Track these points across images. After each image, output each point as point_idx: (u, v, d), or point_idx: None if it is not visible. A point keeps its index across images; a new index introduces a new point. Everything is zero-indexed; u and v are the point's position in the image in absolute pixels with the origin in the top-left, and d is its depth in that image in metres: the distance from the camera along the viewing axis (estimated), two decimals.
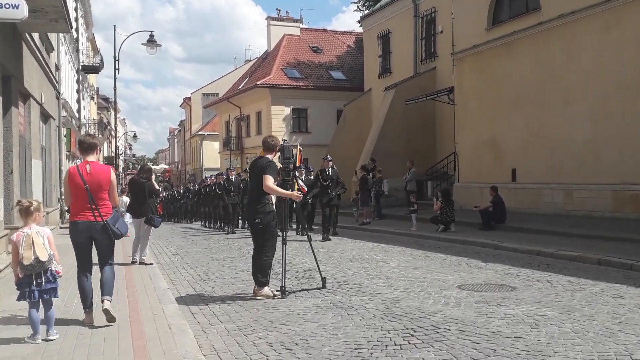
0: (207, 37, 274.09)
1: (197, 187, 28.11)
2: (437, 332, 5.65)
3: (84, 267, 6.05)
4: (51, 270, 5.38)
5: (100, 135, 38.90)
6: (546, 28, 18.00)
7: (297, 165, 13.67)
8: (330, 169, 15.16)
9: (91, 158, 6.12)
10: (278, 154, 8.23)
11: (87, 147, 6.16)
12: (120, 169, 46.50)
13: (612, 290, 7.53)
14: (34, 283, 5.28)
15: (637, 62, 15.05)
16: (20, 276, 5.33)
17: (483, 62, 20.91)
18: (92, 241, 6.03)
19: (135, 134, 65.63)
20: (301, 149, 14.39)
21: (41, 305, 5.36)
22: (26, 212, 5.45)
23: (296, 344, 5.39)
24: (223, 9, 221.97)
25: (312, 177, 17.34)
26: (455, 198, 18.40)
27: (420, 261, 10.61)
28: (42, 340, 5.29)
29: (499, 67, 20.06)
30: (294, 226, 16.91)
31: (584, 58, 16.72)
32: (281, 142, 8.22)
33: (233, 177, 19.25)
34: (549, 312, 6.39)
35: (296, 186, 13.45)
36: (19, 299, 5.41)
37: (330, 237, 14.94)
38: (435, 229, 15.23)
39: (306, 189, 14.27)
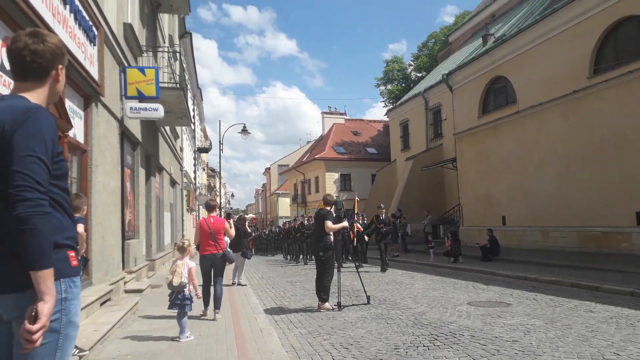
0: (280, 126, 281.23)
1: (279, 229, 27.49)
2: (454, 337, 5.48)
3: (207, 282, 6.73)
4: (184, 293, 5.50)
5: (210, 195, 39.77)
6: (522, 115, 17.79)
7: (356, 212, 12.96)
8: (383, 215, 14.43)
9: (213, 213, 6.93)
10: (333, 206, 8.31)
11: (210, 207, 7.05)
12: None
13: (584, 306, 7.16)
14: (175, 298, 5.47)
15: (591, 140, 14.69)
16: (169, 292, 5.59)
17: (477, 140, 20.71)
18: (212, 267, 6.66)
19: (232, 193, 67.04)
20: (358, 199, 13.77)
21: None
22: (182, 249, 5.76)
23: (351, 344, 5.31)
24: (291, 107, 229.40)
25: (366, 220, 17.05)
26: (461, 237, 17.93)
27: (438, 284, 10.36)
28: (175, 339, 5.38)
29: (489, 143, 19.82)
30: (350, 258, 16.06)
31: (550, 136, 16.40)
32: (335, 198, 8.27)
33: (306, 222, 18.53)
34: (537, 322, 6.12)
35: (356, 228, 13.54)
36: (168, 308, 5.59)
37: (387, 267, 13.56)
38: (447, 261, 14.83)
39: (362, 229, 14.44)
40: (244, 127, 26.06)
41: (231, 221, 7.64)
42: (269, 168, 68.09)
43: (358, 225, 13.78)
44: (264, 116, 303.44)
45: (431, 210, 22.59)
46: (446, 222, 24.25)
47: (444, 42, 39.15)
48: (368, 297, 8.03)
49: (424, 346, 5.14)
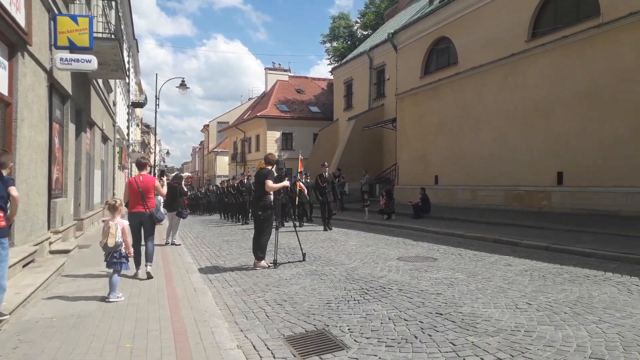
0: (220, 81, 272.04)
1: (217, 188, 26.36)
2: (384, 291, 5.74)
3: (137, 240, 6.59)
4: (120, 251, 5.43)
5: (143, 152, 38.33)
6: (462, 77, 18.30)
7: (300, 170, 12.85)
8: (326, 173, 13.93)
9: (144, 172, 6.79)
10: (275, 165, 8.29)
11: (141, 165, 6.95)
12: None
13: (503, 260, 7.70)
14: (111, 257, 5.40)
15: (525, 102, 15.43)
16: (103, 253, 5.52)
17: (417, 101, 21.15)
18: (141, 225, 6.59)
19: (168, 150, 65.10)
20: (302, 157, 13.56)
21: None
22: (113, 208, 5.56)
23: (285, 300, 5.43)
24: (233, 61, 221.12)
25: (309, 179, 16.01)
26: (396, 196, 18.58)
27: (371, 241, 10.69)
28: (104, 300, 5.27)
29: (429, 104, 20.32)
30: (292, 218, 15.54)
31: (488, 98, 17.04)
32: (277, 157, 8.21)
33: (245, 180, 17.80)
34: (460, 276, 6.53)
35: (298, 188, 13.31)
36: (106, 267, 5.54)
37: (331, 227, 13.39)
38: (381, 218, 15.31)
39: (305, 189, 13.88)
40: (183, 81, 25.06)
41: (164, 179, 7.44)
42: (208, 125, 66.28)
43: (301, 184, 13.64)
44: (203, 70, 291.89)
45: (370, 170, 23.08)
46: (382, 181, 24.93)
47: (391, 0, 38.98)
48: (304, 255, 8.19)
49: (354, 300, 5.35)
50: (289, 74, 44.78)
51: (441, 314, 4.71)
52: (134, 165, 33.42)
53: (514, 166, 15.65)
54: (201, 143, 79.47)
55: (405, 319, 4.59)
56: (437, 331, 4.21)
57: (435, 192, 18.58)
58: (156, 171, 31.97)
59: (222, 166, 55.37)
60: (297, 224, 14.03)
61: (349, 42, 43.81)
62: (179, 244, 10.47)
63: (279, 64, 46.23)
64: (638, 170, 11.91)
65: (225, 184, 21.44)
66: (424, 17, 20.69)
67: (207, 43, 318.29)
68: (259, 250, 7.63)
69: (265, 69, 44.97)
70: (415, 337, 4.06)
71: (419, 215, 15.32)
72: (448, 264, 7.47)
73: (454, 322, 4.45)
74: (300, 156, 13.49)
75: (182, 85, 24.95)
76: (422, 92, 20.72)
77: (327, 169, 14.22)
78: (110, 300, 5.24)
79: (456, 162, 18.33)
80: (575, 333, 4.03)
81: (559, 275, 6.40)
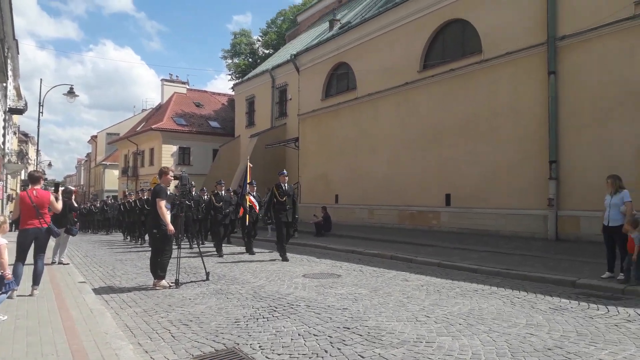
0: (109, 90, 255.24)
1: (117, 202, 22.58)
2: (292, 308, 5.78)
3: (22, 259, 6.14)
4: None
5: (19, 163, 34.62)
6: (360, 102, 19.23)
7: (249, 181, 11.31)
8: (286, 184, 10.78)
9: (37, 186, 6.37)
10: (177, 181, 7.97)
11: (35, 179, 6.45)
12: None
13: (401, 276, 8.11)
14: None
15: (417, 128, 16.59)
16: None
17: (319, 122, 21.78)
18: (34, 241, 6.20)
19: (50, 162, 59.08)
20: (251, 165, 11.67)
21: None
22: None
23: (190, 320, 5.25)
24: (124, 70, 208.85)
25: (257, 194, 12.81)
26: (298, 214, 18.76)
27: (275, 258, 10.67)
28: None
29: (329, 126, 21.01)
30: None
31: (383, 123, 18.06)
32: (180, 173, 7.90)
33: (145, 197, 14.96)
34: (363, 291, 6.77)
35: (247, 202, 11.29)
36: None
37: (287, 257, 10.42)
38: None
39: (257, 205, 11.79)
40: (71, 88, 23.20)
41: (59, 194, 6.87)
42: (96, 136, 61.81)
43: (251, 198, 11.45)
44: (90, 77, 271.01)
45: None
46: None
47: (293, 21, 39.92)
48: (207, 274, 7.96)
49: (263, 318, 5.33)
50: (187, 86, 43.56)
51: (348, 328, 4.86)
52: (9, 177, 30.00)
53: (407, 187, 16.73)
54: (88, 155, 73.87)
55: (314, 334, 4.67)
56: (346, 345, 4.35)
57: (336, 210, 19.16)
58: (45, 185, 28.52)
59: (112, 180, 51.92)
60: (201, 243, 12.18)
61: (250, 59, 43.96)
62: (67, 263, 9.69)
63: (177, 76, 44.91)
64: (513, 194, 13.38)
65: (129, 197, 18.30)
66: (324, 42, 21.53)
67: (94, 48, 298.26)
68: (159, 269, 7.25)
69: (161, 80, 43.22)
70: (326, 352, 4.16)
71: (321, 233, 15.67)
72: (351, 280, 7.72)
73: (361, 335, 4.63)
74: (248, 163, 12.10)
75: (71, 92, 23.11)
76: (323, 113, 21.40)
77: (287, 178, 10.98)
78: None
79: (355, 182, 19.11)
80: (470, 342, 4.40)
81: (452, 289, 6.93)
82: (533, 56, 13.12)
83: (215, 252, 11.58)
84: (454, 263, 9.08)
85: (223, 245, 12.11)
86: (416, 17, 16.81)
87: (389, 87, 17.74)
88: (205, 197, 13.73)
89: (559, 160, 12.40)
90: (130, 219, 16.72)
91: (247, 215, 11.44)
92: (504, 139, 13.79)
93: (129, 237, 17.08)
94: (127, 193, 19.35)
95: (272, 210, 10.95)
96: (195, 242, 12.09)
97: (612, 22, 11.37)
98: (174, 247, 7.46)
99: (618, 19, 11.27)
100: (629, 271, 6.63)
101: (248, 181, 11.61)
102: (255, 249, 11.99)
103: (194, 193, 13.31)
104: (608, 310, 5.51)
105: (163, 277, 7.28)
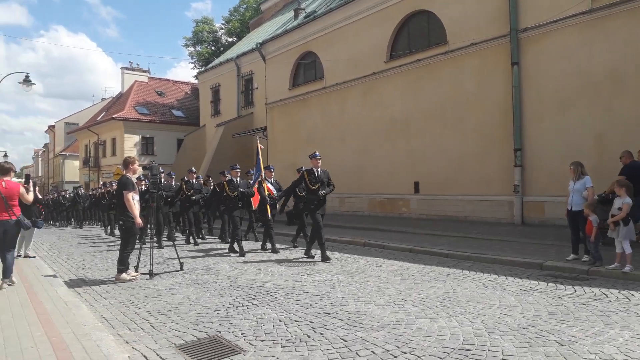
0: (65, 78, 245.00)
1: (90, 194, 21.98)
2: (271, 295, 5.80)
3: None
4: None
5: None
6: (328, 91, 19.24)
7: (266, 165, 9.99)
8: (318, 170, 9.00)
9: (7, 177, 6.20)
10: (146, 171, 7.79)
11: (4, 170, 6.26)
12: None
13: (375, 262, 8.26)
14: None
15: (384, 118, 16.76)
16: None
17: (287, 111, 21.67)
18: (3, 234, 6.01)
19: (5, 153, 56.44)
20: (262, 147, 10.22)
21: None
22: None
23: (169, 310, 5.20)
24: (79, 57, 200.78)
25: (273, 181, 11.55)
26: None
27: (249, 247, 10.64)
28: None
29: (298, 115, 20.94)
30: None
31: (351, 113, 18.16)
32: (150, 163, 7.73)
33: (194, 181, 13.39)
34: (339, 277, 6.86)
35: (266, 189, 10.21)
36: None
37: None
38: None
39: (275, 192, 10.74)
40: (27, 76, 22.15)
41: (30, 185, 6.63)
42: (54, 126, 59.45)
43: (269, 185, 10.16)
44: (43, 64, 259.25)
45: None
46: None
47: (256, 9, 39.36)
48: (181, 264, 7.89)
49: (243, 305, 5.33)
50: (149, 75, 42.40)
51: (329, 313, 4.92)
52: None
53: (377, 176, 16.93)
54: (45, 145, 70.99)
55: (296, 320, 4.71)
56: (328, 329, 4.40)
57: None
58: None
59: (72, 171, 50.09)
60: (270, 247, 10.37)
61: (213, 48, 43.15)
62: (34, 256, 9.42)
63: (137, 64, 43.53)
64: (480, 181, 13.75)
65: (103, 189, 17.38)
66: (290, 30, 21.37)
67: (45, 35, 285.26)
68: (118, 262, 7.09)
69: (121, 68, 41.81)
70: (309, 336, 4.20)
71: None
72: (327, 267, 7.80)
73: (341, 320, 4.70)
74: (258, 143, 10.82)
75: (27, 80, 22.03)
76: (291, 103, 21.31)
77: (320, 161, 9.17)
78: None
79: None
80: (448, 324, 4.54)
81: (425, 274, 7.11)
82: (497, 47, 13.45)
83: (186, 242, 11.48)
84: (426, 248, 9.29)
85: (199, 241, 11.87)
86: (382, 8, 16.90)
87: (356, 77, 17.82)
88: (174, 184, 13.35)
89: (524, 148, 12.82)
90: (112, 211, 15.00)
91: (268, 206, 10.05)
92: (470, 128, 14.12)
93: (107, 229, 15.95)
94: (106, 182, 18.01)
95: (300, 198, 9.67)
96: (193, 240, 11.86)
97: (571, 15, 11.78)
98: (147, 239, 7.33)
99: (576, 13, 11.69)
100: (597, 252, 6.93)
101: (263, 165, 10.11)
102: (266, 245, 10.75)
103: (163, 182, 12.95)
104: (575, 290, 5.78)
105: (123, 271, 7.10)
